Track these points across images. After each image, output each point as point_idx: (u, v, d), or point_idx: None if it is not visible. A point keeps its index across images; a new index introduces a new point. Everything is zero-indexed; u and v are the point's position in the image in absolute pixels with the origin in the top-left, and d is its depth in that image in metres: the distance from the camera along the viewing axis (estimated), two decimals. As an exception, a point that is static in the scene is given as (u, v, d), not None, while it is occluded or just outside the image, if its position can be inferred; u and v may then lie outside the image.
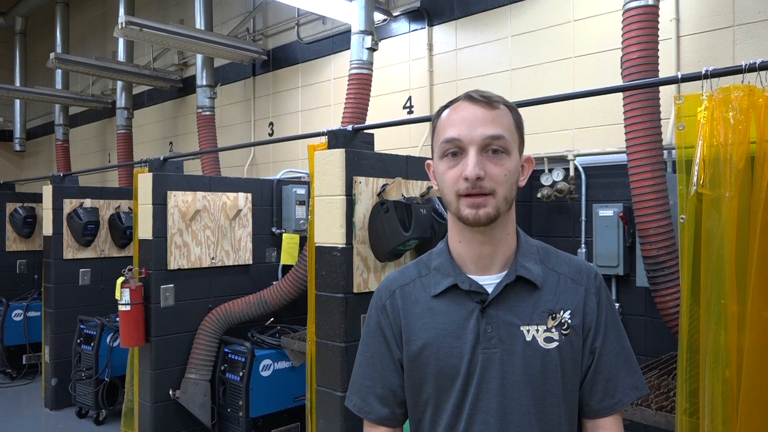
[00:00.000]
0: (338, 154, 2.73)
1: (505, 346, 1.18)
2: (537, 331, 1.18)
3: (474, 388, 1.18)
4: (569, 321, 1.20)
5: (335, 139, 2.79)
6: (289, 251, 4.38)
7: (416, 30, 4.45)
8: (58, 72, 7.71)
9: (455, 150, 1.17)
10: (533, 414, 1.17)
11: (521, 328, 1.18)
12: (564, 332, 1.19)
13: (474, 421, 1.18)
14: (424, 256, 1.33)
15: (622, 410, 1.26)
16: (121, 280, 3.84)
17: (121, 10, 6.25)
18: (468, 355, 1.18)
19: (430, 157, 1.28)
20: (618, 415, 1.25)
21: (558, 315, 1.20)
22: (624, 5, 2.82)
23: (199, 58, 5.74)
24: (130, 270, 3.90)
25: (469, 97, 1.19)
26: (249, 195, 4.38)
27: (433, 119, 1.27)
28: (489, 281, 1.21)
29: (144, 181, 3.96)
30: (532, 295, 1.21)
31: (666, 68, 2.99)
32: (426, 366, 1.21)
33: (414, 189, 3.00)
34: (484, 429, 1.17)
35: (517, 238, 1.27)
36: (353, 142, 2.82)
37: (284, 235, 4.43)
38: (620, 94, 2.87)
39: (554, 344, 1.18)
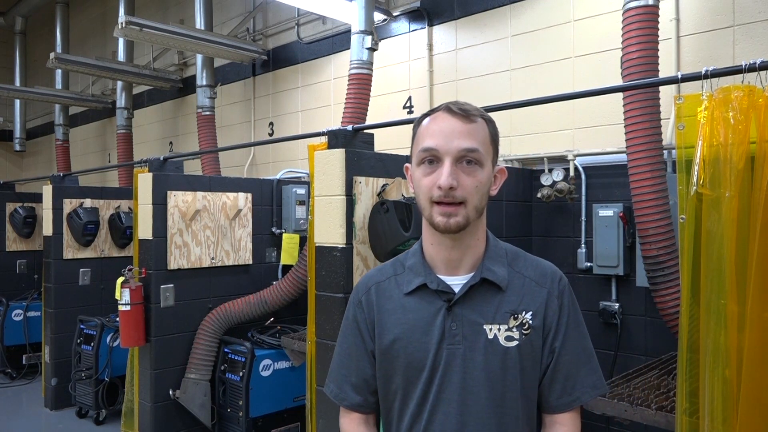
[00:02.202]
0: (338, 154, 2.73)
1: (468, 343, 1.26)
2: (499, 330, 1.26)
3: (438, 380, 1.26)
4: (530, 321, 1.28)
5: (335, 139, 2.79)
6: (289, 251, 4.38)
7: (416, 30, 4.45)
8: (58, 72, 7.71)
9: (431, 158, 1.24)
10: (491, 408, 1.25)
11: (484, 327, 1.26)
12: (525, 332, 1.27)
13: (436, 411, 1.26)
14: (401, 256, 1.42)
15: (580, 407, 1.33)
16: (121, 280, 3.84)
17: (121, 10, 6.25)
18: (434, 350, 1.26)
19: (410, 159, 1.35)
20: (575, 412, 1.33)
21: (520, 315, 1.28)
22: (624, 5, 2.82)
23: (199, 58, 5.74)
24: (130, 270, 3.90)
25: (448, 108, 1.26)
26: (249, 195, 4.38)
27: (414, 126, 1.33)
28: (456, 282, 1.29)
29: (144, 181, 3.96)
30: (496, 296, 1.29)
31: (666, 68, 2.99)
32: (396, 358, 1.30)
33: (412, 189, 2.99)
34: (444, 419, 1.26)
35: (487, 243, 1.34)
36: (353, 142, 2.82)
37: (284, 235, 4.43)
38: (620, 94, 2.87)
39: (514, 343, 1.26)
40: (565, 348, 1.30)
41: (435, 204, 1.23)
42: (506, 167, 1.37)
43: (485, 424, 1.24)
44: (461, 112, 1.24)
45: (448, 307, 1.27)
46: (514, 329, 1.26)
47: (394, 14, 4.56)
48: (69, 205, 5.28)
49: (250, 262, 4.41)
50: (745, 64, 1.80)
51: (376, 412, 1.42)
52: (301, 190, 4.56)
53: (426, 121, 1.28)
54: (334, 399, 1.41)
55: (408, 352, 1.28)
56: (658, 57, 2.76)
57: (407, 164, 1.37)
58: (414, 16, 4.46)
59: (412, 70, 4.48)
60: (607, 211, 3.20)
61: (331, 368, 1.44)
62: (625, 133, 2.78)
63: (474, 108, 1.27)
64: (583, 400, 1.31)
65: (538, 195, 3.41)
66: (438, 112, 1.27)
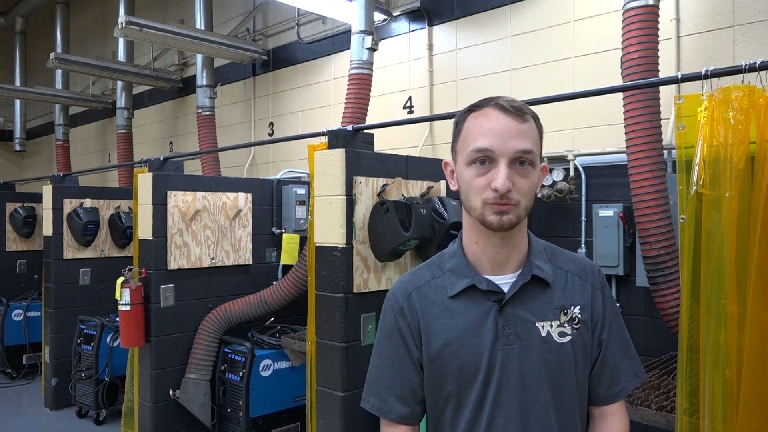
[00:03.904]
0: (338, 154, 2.73)
1: (523, 342, 1.24)
2: (551, 326, 1.25)
3: (495, 383, 1.23)
4: (579, 316, 1.27)
5: (335, 139, 2.79)
6: (289, 251, 4.38)
7: (416, 30, 4.45)
8: (58, 72, 7.71)
9: (484, 159, 1.20)
10: (551, 405, 1.24)
11: (536, 325, 1.25)
12: (575, 326, 1.27)
13: (497, 414, 1.24)
14: (435, 258, 1.37)
15: (626, 397, 1.34)
16: (121, 280, 3.84)
17: (121, 10, 6.25)
18: (488, 352, 1.23)
19: (440, 156, 1.34)
20: (623, 402, 1.34)
21: (569, 310, 1.27)
22: (624, 5, 2.82)
23: (199, 58, 5.74)
24: (130, 270, 3.90)
25: (499, 105, 1.21)
26: (249, 195, 4.38)
27: (457, 120, 1.28)
28: (504, 281, 1.27)
29: (144, 181, 3.96)
30: (544, 293, 1.27)
31: (666, 68, 2.99)
32: (447, 364, 1.26)
33: (414, 189, 2.99)
34: (506, 421, 1.23)
35: (528, 240, 1.32)
36: (353, 142, 2.82)
37: (284, 235, 4.42)
38: (620, 94, 2.87)
39: (567, 338, 1.25)
40: (610, 339, 1.31)
41: (488, 204, 1.19)
42: None
43: (547, 422, 1.23)
44: (514, 110, 1.20)
45: (500, 308, 1.24)
46: (566, 324, 1.25)
47: (394, 14, 4.56)
48: (69, 205, 5.28)
49: (250, 262, 4.41)
50: (745, 64, 1.79)
51: (420, 422, 1.37)
52: (301, 190, 4.56)
53: (474, 118, 1.23)
54: (377, 413, 1.34)
55: (460, 357, 1.24)
56: (658, 57, 2.76)
57: (446, 161, 1.33)
58: (414, 16, 4.46)
59: (412, 70, 4.48)
60: (607, 211, 3.20)
61: (368, 381, 1.38)
62: (625, 133, 2.78)
63: (523, 104, 1.23)
64: (629, 389, 1.32)
65: (538, 195, 3.41)
66: (486, 108, 1.22)
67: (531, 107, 1.29)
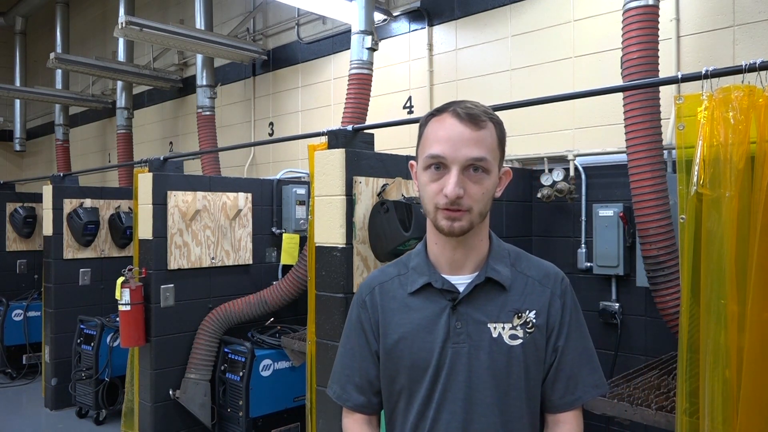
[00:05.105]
0: (338, 154, 2.73)
1: (473, 342, 1.26)
2: (503, 328, 1.27)
3: (443, 379, 1.27)
4: (534, 320, 1.28)
5: (335, 139, 2.79)
6: (289, 251, 4.38)
7: (416, 30, 4.45)
8: (58, 72, 7.71)
9: (438, 165, 1.23)
10: (496, 405, 1.26)
11: (488, 326, 1.27)
12: (528, 330, 1.28)
13: (442, 410, 1.26)
14: (404, 257, 1.42)
15: (582, 406, 1.33)
16: (121, 280, 3.84)
17: (121, 10, 6.25)
18: (438, 349, 1.27)
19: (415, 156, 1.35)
20: (578, 411, 1.33)
21: (524, 314, 1.28)
22: (624, 5, 2.82)
23: (199, 58, 5.74)
24: (130, 270, 3.90)
25: (455, 112, 1.23)
26: (249, 195, 4.38)
27: (420, 124, 1.32)
28: (461, 281, 1.30)
29: (144, 181, 3.96)
30: (500, 296, 1.29)
31: (666, 68, 2.99)
32: (400, 358, 1.30)
33: (414, 189, 2.99)
34: (450, 417, 1.26)
35: (490, 243, 1.35)
36: (353, 142, 2.82)
37: (284, 235, 4.43)
38: (620, 94, 2.87)
39: (519, 341, 1.27)
40: (567, 347, 1.30)
41: (440, 209, 1.22)
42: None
43: (490, 422, 1.25)
44: (469, 117, 1.21)
45: (453, 306, 1.27)
46: (518, 328, 1.27)
47: (394, 14, 4.56)
48: (69, 205, 5.28)
49: (250, 262, 4.41)
50: (745, 64, 1.80)
51: (379, 413, 1.42)
52: (301, 190, 4.56)
53: (433, 124, 1.26)
54: (337, 400, 1.40)
55: (412, 352, 1.28)
56: (658, 57, 2.76)
57: (412, 161, 1.36)
58: (414, 16, 4.46)
59: (412, 70, 4.48)
60: (607, 211, 3.20)
61: (333, 370, 1.43)
62: (625, 133, 2.78)
63: (481, 111, 1.24)
64: (585, 399, 1.31)
65: (538, 195, 3.41)
66: (445, 114, 1.24)
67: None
